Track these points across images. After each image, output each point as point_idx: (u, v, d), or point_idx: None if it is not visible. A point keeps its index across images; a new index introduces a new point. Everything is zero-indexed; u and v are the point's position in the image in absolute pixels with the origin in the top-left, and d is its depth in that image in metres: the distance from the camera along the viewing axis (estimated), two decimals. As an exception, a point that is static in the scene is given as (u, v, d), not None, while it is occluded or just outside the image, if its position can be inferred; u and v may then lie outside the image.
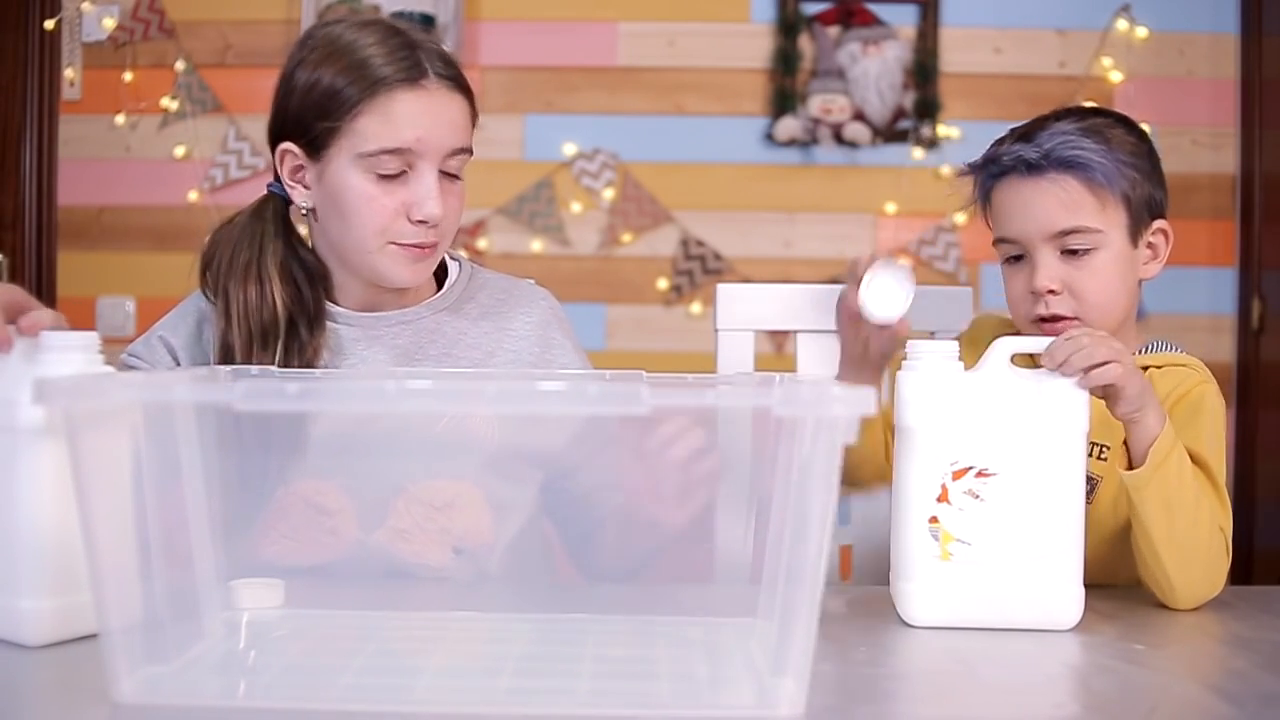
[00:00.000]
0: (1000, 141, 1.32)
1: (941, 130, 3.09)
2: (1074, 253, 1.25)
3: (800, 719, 0.79)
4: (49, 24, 3.09)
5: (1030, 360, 1.09)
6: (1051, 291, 1.25)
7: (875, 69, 3.06)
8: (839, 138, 3.08)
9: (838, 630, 1.03)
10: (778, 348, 2.92)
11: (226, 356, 1.27)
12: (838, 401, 0.77)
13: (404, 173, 1.26)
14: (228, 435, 0.94)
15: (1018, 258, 1.29)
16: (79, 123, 3.15)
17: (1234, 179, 3.11)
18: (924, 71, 3.08)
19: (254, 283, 1.29)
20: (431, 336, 1.36)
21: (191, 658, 0.90)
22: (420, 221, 1.27)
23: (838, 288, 1.38)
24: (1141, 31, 3.08)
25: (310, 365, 1.28)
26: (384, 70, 1.25)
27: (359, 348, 1.34)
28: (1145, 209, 1.28)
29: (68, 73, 3.14)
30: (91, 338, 0.96)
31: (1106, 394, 1.10)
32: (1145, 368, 1.25)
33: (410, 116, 1.25)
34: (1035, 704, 0.85)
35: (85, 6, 3.12)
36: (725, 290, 1.62)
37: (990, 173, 1.30)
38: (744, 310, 1.61)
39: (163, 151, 3.14)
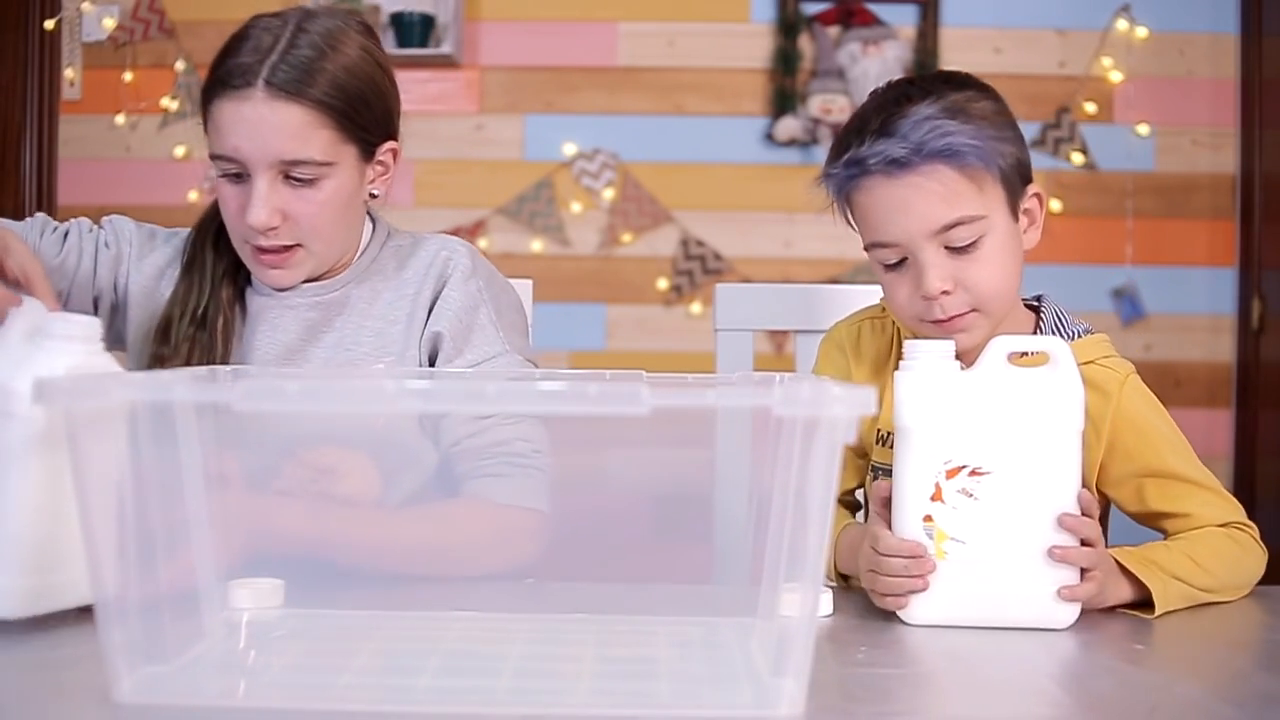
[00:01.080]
0: (851, 133, 1.21)
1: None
2: (959, 248, 1.17)
3: (800, 719, 0.79)
4: (49, 24, 3.10)
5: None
6: (945, 293, 1.17)
7: (875, 69, 3.06)
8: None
9: (838, 630, 1.03)
10: (778, 348, 2.92)
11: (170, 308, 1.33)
12: (838, 401, 0.77)
13: (246, 178, 1.27)
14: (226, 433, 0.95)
15: (899, 263, 1.20)
16: (79, 123, 3.16)
17: (1234, 179, 3.11)
18: (924, 71, 3.08)
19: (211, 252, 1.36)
20: (340, 309, 1.36)
21: (191, 658, 0.90)
22: (251, 227, 1.26)
23: (838, 288, 1.38)
24: (1141, 31, 3.08)
25: (215, 336, 1.32)
26: (217, 76, 1.28)
27: (271, 316, 1.35)
28: (1018, 177, 1.20)
29: (68, 73, 3.14)
30: (94, 326, 0.96)
31: (1096, 561, 1.06)
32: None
33: (229, 125, 1.25)
34: (1035, 704, 0.85)
35: (85, 6, 3.12)
36: (725, 290, 1.62)
37: (851, 174, 1.19)
38: (744, 310, 1.61)
39: (163, 151, 3.14)
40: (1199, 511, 1.21)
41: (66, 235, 1.38)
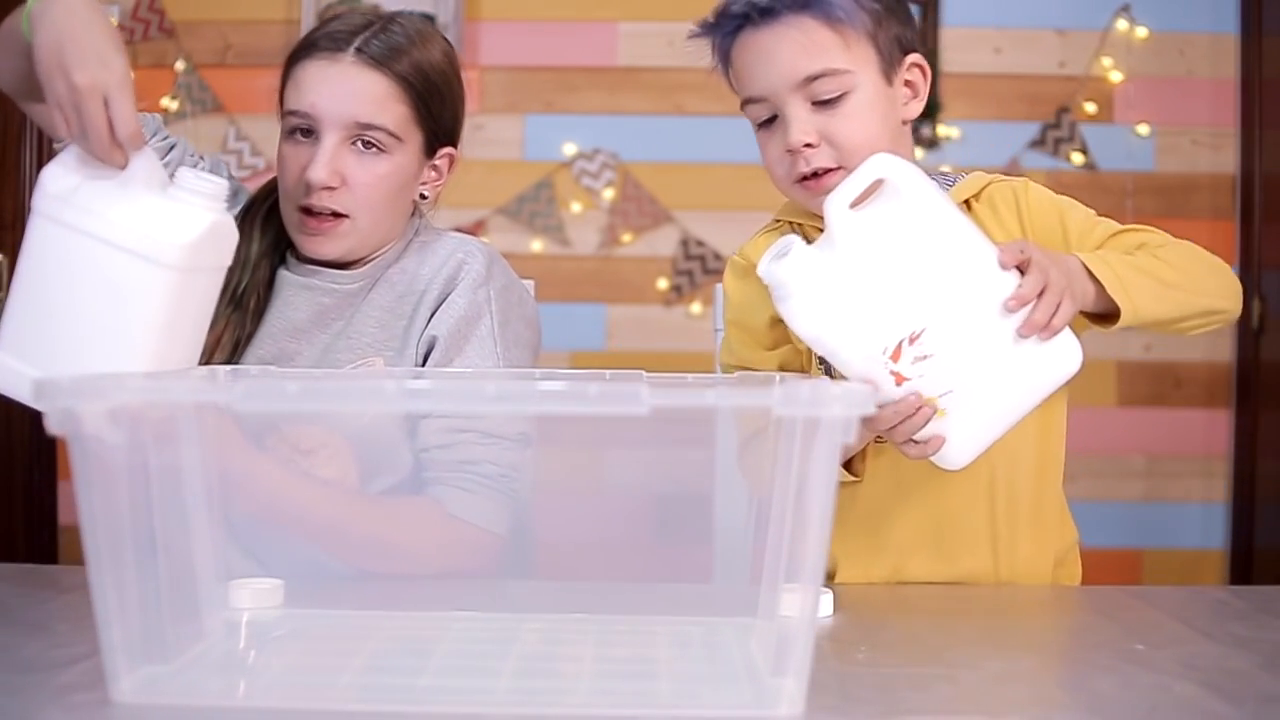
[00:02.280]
0: None
1: (942, 130, 3.09)
2: (826, 102, 1.17)
3: (800, 719, 0.79)
4: (49, 24, 3.10)
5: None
6: (809, 145, 1.17)
7: (875, 69, 3.06)
8: (839, 138, 3.08)
9: (838, 630, 1.03)
10: (778, 348, 2.91)
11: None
12: (838, 401, 0.77)
13: (314, 135, 1.29)
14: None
15: (770, 120, 1.21)
16: (79, 123, 3.15)
17: (1234, 179, 3.11)
18: (924, 72, 3.08)
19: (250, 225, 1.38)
20: (354, 300, 1.36)
21: (191, 658, 0.90)
22: (309, 184, 1.28)
23: None
24: (1141, 31, 3.08)
25: (246, 314, 1.33)
26: (306, 42, 1.31)
27: (288, 293, 1.37)
28: (896, 46, 1.22)
29: (68, 73, 3.14)
30: (223, 188, 1.02)
31: (1038, 267, 1.04)
32: (966, 202, 1.24)
33: (312, 83, 1.28)
34: (1035, 704, 0.85)
35: (85, 6, 3.12)
36: (725, 290, 1.62)
37: (724, 30, 1.21)
38: (744, 310, 1.60)
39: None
40: (1149, 238, 1.22)
41: (171, 148, 1.41)
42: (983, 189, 1.28)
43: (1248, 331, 3.05)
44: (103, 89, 1.00)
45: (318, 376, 1.21)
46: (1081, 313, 1.12)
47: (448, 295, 1.33)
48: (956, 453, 1.05)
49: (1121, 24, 3.09)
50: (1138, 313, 1.10)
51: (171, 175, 1.05)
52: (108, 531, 0.80)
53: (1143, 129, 3.09)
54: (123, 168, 1.02)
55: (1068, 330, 1.06)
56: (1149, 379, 3.11)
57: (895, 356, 1.02)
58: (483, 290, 1.34)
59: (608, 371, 1.09)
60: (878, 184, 1.02)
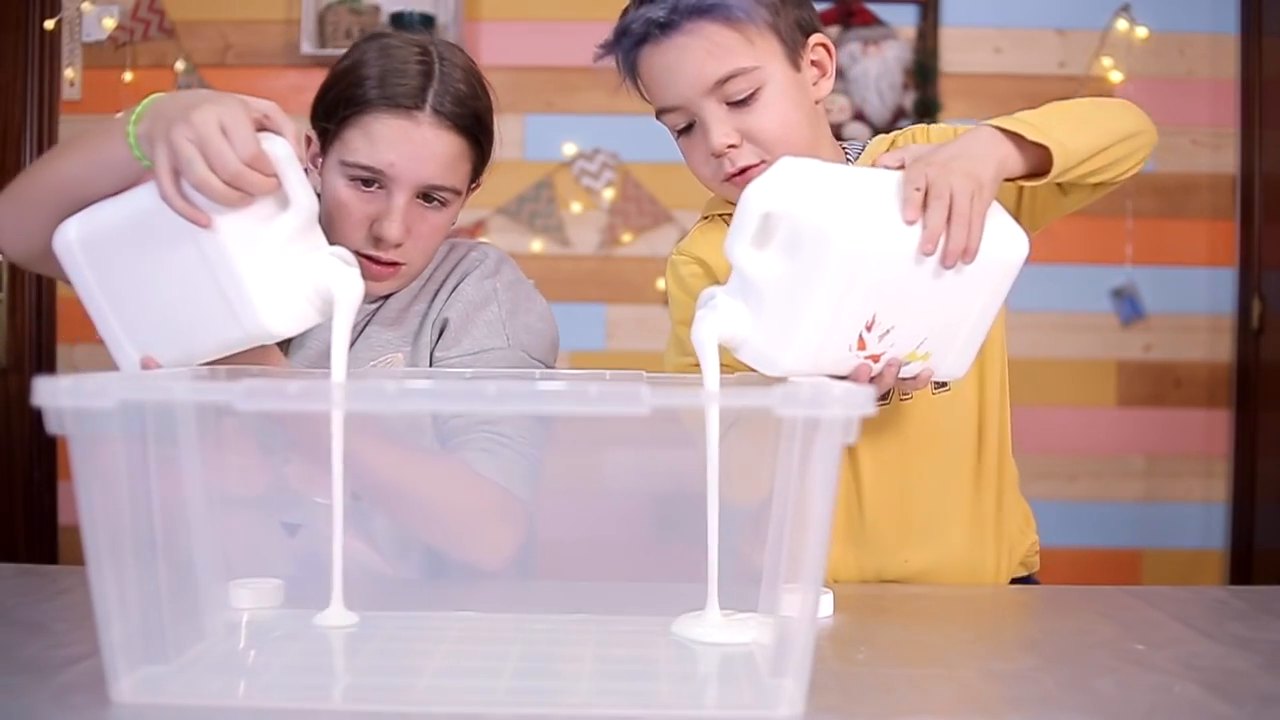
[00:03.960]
0: (626, 11, 1.25)
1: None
2: (740, 101, 1.17)
3: (800, 719, 0.79)
4: (49, 24, 3.09)
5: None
6: (732, 146, 1.18)
7: (875, 69, 3.06)
8: (839, 138, 3.07)
9: (838, 630, 1.03)
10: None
11: None
12: (838, 402, 0.77)
13: (379, 187, 1.28)
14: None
15: (688, 127, 1.22)
16: (79, 123, 3.15)
17: (1234, 179, 3.11)
18: (924, 71, 3.08)
19: None
20: (364, 310, 1.37)
21: (191, 658, 0.90)
22: (379, 239, 1.28)
23: None
24: (1141, 31, 3.08)
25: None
26: (384, 90, 1.27)
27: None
28: (797, 31, 1.22)
29: (68, 73, 3.14)
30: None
31: (935, 195, 1.00)
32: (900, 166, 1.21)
33: (389, 142, 1.26)
34: (1035, 703, 0.85)
35: (85, 6, 3.12)
36: (725, 290, 1.62)
37: (626, 46, 1.23)
38: (744, 310, 1.60)
39: (163, 151, 3.14)
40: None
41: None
42: (889, 147, 1.27)
43: (1248, 331, 3.05)
44: (219, 119, 0.98)
45: (318, 376, 1.21)
46: (1016, 179, 1.09)
47: (458, 285, 1.37)
48: (952, 370, 1.08)
49: (1121, 24, 3.09)
50: (1065, 147, 1.06)
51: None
52: (108, 531, 0.80)
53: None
54: (246, 199, 0.99)
55: (1002, 221, 1.04)
56: (1149, 379, 3.11)
57: (861, 346, 1.02)
58: (489, 282, 1.37)
59: (608, 371, 1.09)
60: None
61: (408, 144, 1.26)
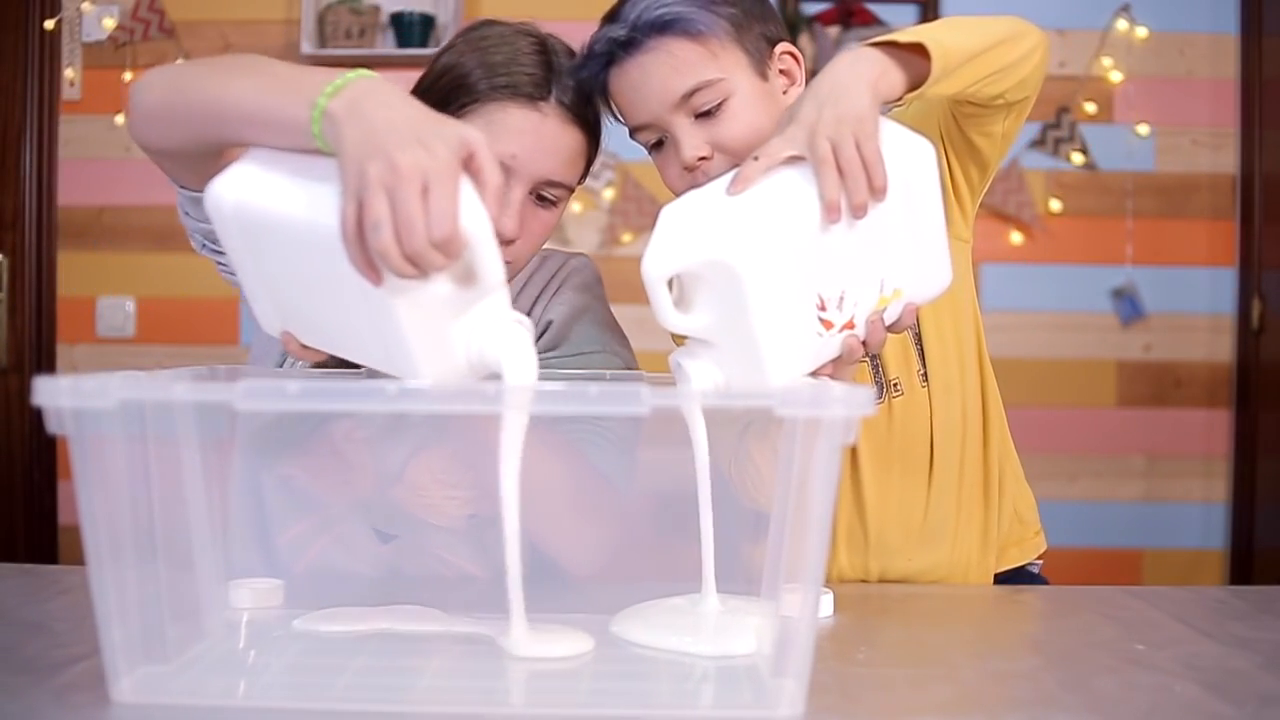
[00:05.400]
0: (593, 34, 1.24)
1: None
2: (708, 113, 1.17)
3: (800, 719, 0.79)
4: (49, 24, 3.09)
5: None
6: (703, 159, 1.18)
7: (875, 69, 3.06)
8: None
9: (838, 630, 1.03)
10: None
11: None
12: (838, 402, 0.77)
13: None
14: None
15: (660, 143, 1.22)
16: (79, 123, 3.15)
17: (1234, 179, 3.11)
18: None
19: None
20: None
21: (191, 657, 0.90)
22: None
23: None
24: (1141, 31, 3.08)
25: None
26: (508, 79, 1.22)
27: None
28: (763, 42, 1.21)
29: (68, 73, 3.14)
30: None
31: (818, 159, 0.97)
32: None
33: (513, 133, 1.20)
34: (1035, 703, 0.85)
35: (85, 6, 3.12)
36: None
37: (593, 69, 1.22)
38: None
39: (163, 151, 3.14)
40: None
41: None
42: None
43: (1248, 331, 3.05)
44: (424, 174, 0.84)
45: (318, 377, 1.21)
46: (903, 95, 1.07)
47: (558, 290, 1.38)
48: (933, 287, 1.06)
49: (1121, 24, 3.09)
50: (942, 46, 1.03)
51: None
52: (108, 531, 0.80)
53: (1143, 129, 3.09)
54: (425, 276, 0.85)
55: (895, 134, 1.01)
56: (1149, 379, 3.11)
57: (828, 326, 1.01)
58: (588, 293, 1.40)
59: (608, 371, 1.09)
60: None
61: (532, 135, 1.21)
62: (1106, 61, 3.09)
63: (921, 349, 1.30)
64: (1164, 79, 3.11)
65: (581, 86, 1.24)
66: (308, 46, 3.03)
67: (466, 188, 0.87)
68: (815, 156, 0.97)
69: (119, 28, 3.10)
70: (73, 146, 3.16)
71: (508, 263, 1.24)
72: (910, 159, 1.01)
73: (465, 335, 0.92)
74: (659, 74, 1.18)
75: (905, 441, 1.30)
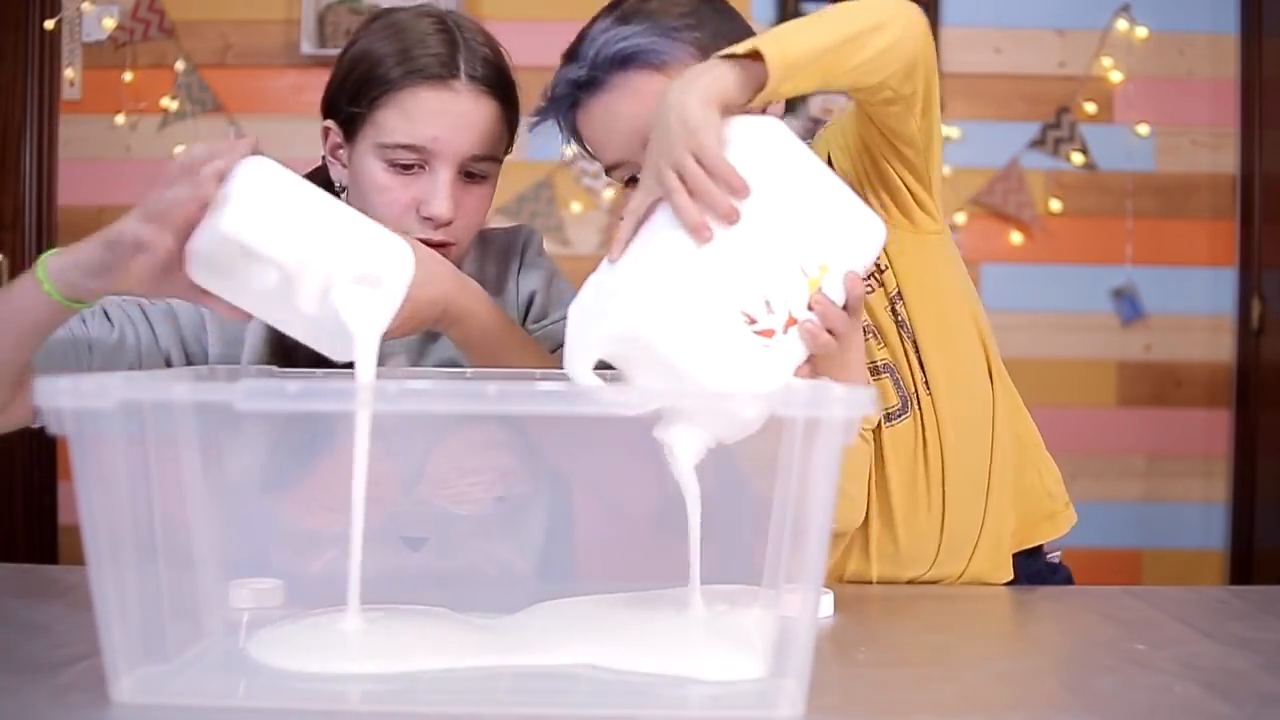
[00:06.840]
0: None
1: (942, 130, 3.09)
2: None
3: (800, 719, 0.79)
4: (49, 24, 3.09)
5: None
6: None
7: (875, 69, 3.06)
8: (839, 138, 3.08)
9: (838, 630, 1.03)
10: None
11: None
12: (838, 402, 0.77)
13: (421, 167, 1.23)
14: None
15: (634, 179, 1.13)
16: (79, 123, 3.15)
17: (1234, 179, 3.11)
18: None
19: None
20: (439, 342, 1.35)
21: (191, 657, 0.90)
22: (428, 219, 1.23)
23: None
24: (1141, 31, 3.08)
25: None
26: (413, 64, 1.22)
27: None
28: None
29: (68, 73, 3.14)
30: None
31: (668, 191, 0.94)
32: None
33: (429, 115, 1.21)
34: (1036, 703, 0.85)
35: (85, 6, 3.12)
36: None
37: (559, 111, 1.20)
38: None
39: (163, 151, 3.13)
40: None
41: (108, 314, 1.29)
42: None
43: (1248, 332, 3.05)
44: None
45: (318, 376, 1.21)
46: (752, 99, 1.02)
47: (524, 259, 1.38)
48: (867, 242, 1.00)
49: (1121, 24, 3.09)
50: (780, 45, 0.98)
51: None
52: (108, 531, 0.80)
53: (1143, 129, 3.09)
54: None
55: (734, 126, 0.97)
56: (1149, 379, 3.11)
57: (769, 334, 0.94)
58: (546, 259, 1.40)
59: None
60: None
61: (448, 115, 1.21)
62: (1106, 61, 3.09)
63: (920, 357, 1.28)
64: (1164, 79, 3.11)
65: (488, 59, 1.24)
66: (308, 46, 3.03)
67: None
68: (665, 190, 0.94)
69: (119, 28, 3.10)
70: (73, 146, 3.16)
71: (450, 244, 1.26)
72: (763, 141, 0.98)
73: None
74: (626, 112, 1.14)
75: (926, 449, 1.28)
